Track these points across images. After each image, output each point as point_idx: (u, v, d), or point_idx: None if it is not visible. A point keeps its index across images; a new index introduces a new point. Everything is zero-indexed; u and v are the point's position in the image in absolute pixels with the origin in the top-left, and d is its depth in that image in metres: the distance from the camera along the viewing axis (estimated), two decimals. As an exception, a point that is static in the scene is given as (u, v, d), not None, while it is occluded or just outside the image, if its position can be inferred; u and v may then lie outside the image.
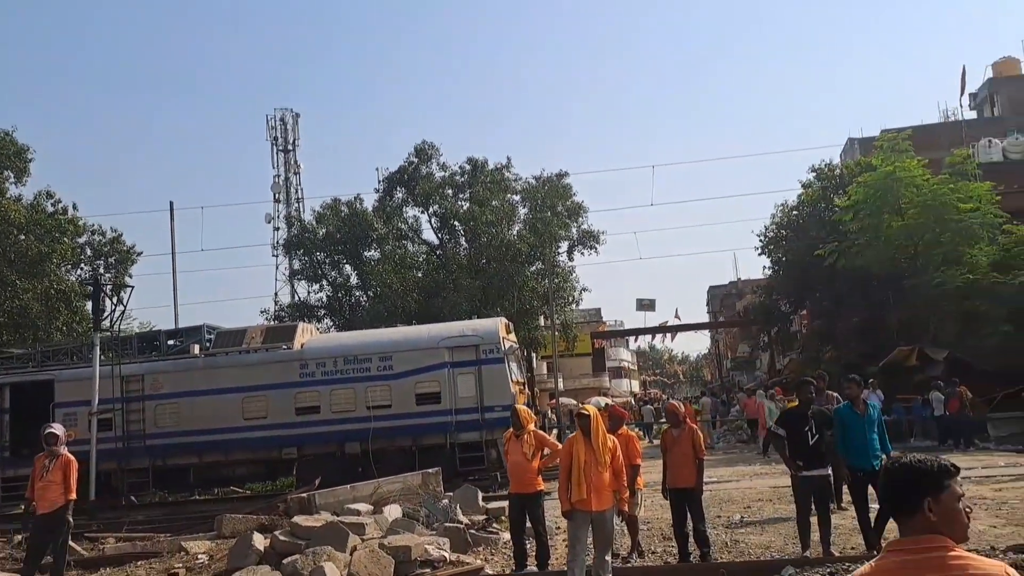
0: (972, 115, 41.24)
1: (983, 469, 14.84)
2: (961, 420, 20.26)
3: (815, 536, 8.23)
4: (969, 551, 2.42)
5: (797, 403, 8.86)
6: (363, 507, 10.39)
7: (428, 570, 7.76)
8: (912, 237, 25.71)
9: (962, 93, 40.73)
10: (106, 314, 18.38)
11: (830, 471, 8.50)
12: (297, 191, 46.86)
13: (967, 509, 2.42)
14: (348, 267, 33.94)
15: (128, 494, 18.75)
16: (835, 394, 11.63)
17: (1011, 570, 2.29)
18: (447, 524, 9.76)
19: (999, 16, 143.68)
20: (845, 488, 10.34)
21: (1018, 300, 22.74)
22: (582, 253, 34.24)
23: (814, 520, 8.19)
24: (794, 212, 33.92)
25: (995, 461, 15.90)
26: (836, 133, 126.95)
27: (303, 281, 34.52)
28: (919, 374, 23.82)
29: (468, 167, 33.98)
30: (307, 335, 19.81)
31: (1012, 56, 41.76)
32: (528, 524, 8.49)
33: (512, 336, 19.83)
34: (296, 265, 35.04)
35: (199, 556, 9.80)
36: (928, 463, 2.50)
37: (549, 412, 33.59)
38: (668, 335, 50.08)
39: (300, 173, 47.26)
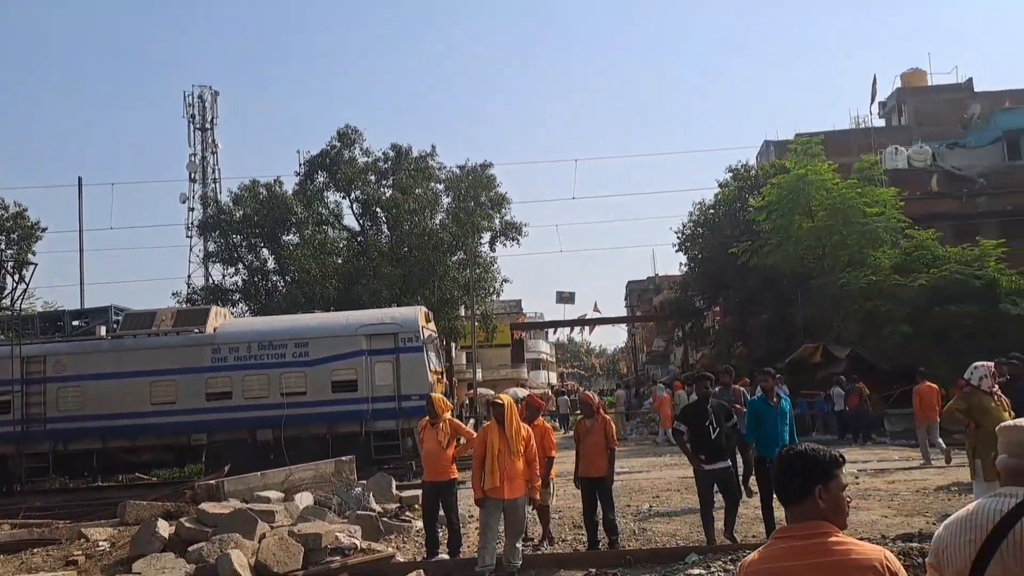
0: (881, 123, 43.07)
1: (878, 462, 15.59)
2: (860, 415, 21.17)
3: (719, 526, 8.51)
4: (861, 539, 2.56)
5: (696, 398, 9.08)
6: (274, 494, 10.23)
7: (339, 558, 7.71)
8: (820, 239, 26.70)
9: (872, 101, 42.60)
10: (7, 292, 17.57)
11: (730, 463, 8.77)
12: (214, 171, 45.47)
13: (848, 498, 2.57)
14: (265, 251, 33.21)
15: (26, 479, 18.00)
16: (741, 388, 12.04)
17: (890, 555, 2.43)
18: (359, 512, 9.70)
19: (910, 28, 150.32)
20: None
21: (916, 302, 23.93)
22: (504, 244, 34.43)
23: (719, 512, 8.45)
24: (711, 211, 34.77)
25: (890, 455, 16.72)
26: (754, 135, 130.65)
27: (218, 264, 33.60)
28: (823, 370, 24.81)
29: (392, 153, 33.65)
30: (220, 319, 19.34)
31: (919, 68, 43.73)
32: (441, 512, 8.54)
33: (432, 325, 19.79)
34: (211, 247, 34.03)
35: (100, 543, 9.46)
36: (821, 452, 2.64)
37: (467, 402, 33.67)
38: (587, 328, 50.76)
39: (217, 153, 45.87)
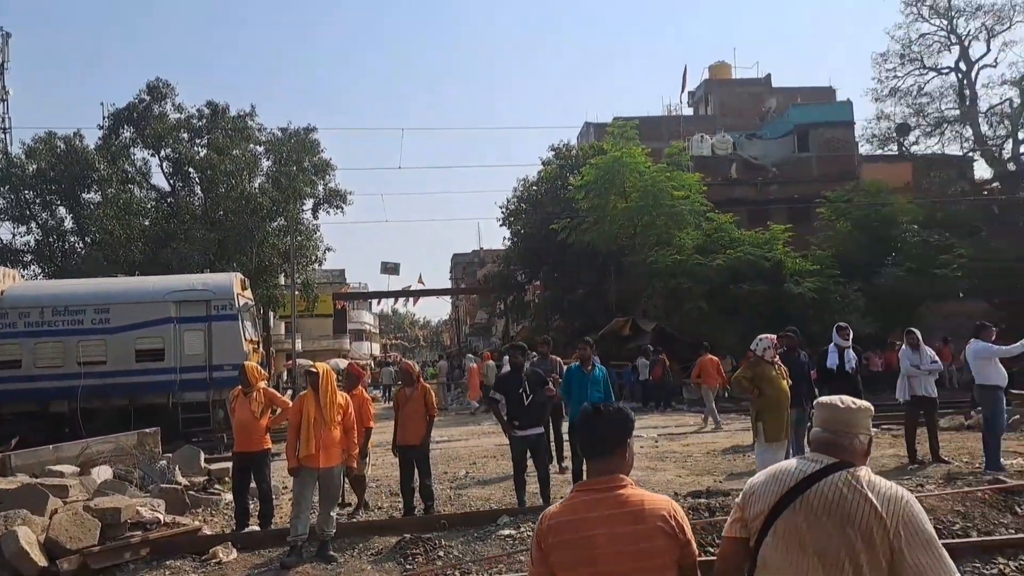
0: (690, 112, 45.79)
1: (676, 427, 16.84)
2: (662, 385, 22.71)
3: (531, 489, 8.89)
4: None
5: (509, 368, 9.41)
6: (68, 468, 9.58)
7: (140, 532, 7.37)
8: (633, 219, 28.12)
9: (682, 91, 45.15)
10: None
11: (543, 429, 9.17)
12: (4, 120, 41.01)
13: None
14: (63, 209, 30.46)
15: None
16: (558, 358, 12.52)
17: (676, 505, 2.68)
18: (164, 486, 9.29)
19: (719, 23, 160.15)
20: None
21: (714, 280, 25.85)
22: (327, 212, 33.63)
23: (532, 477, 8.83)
24: (534, 188, 35.66)
25: (687, 421, 18.07)
26: (576, 116, 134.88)
27: (7, 222, 30.39)
28: (631, 343, 26.32)
29: (207, 111, 31.77)
30: (9, 281, 17.66)
31: (726, 61, 46.81)
32: (253, 484, 8.36)
33: (248, 293, 19.08)
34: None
35: None
36: (628, 411, 2.87)
37: (285, 373, 32.80)
38: (411, 299, 50.71)
39: (8, 99, 41.35)
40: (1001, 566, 5.98)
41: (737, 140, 37.31)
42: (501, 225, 36.82)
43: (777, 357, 9.64)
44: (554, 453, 11.30)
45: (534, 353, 12.08)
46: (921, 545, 2.41)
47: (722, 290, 25.70)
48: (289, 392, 23.59)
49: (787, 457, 9.74)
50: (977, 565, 6.06)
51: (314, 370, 7.43)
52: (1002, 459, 9.67)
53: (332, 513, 7.23)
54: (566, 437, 11.06)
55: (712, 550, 6.56)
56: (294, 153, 32.36)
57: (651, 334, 25.82)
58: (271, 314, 34.80)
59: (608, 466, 2.71)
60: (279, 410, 8.41)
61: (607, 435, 2.73)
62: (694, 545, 2.65)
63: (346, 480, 8.76)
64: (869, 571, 2.42)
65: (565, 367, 10.73)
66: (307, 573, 6.35)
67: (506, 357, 11.57)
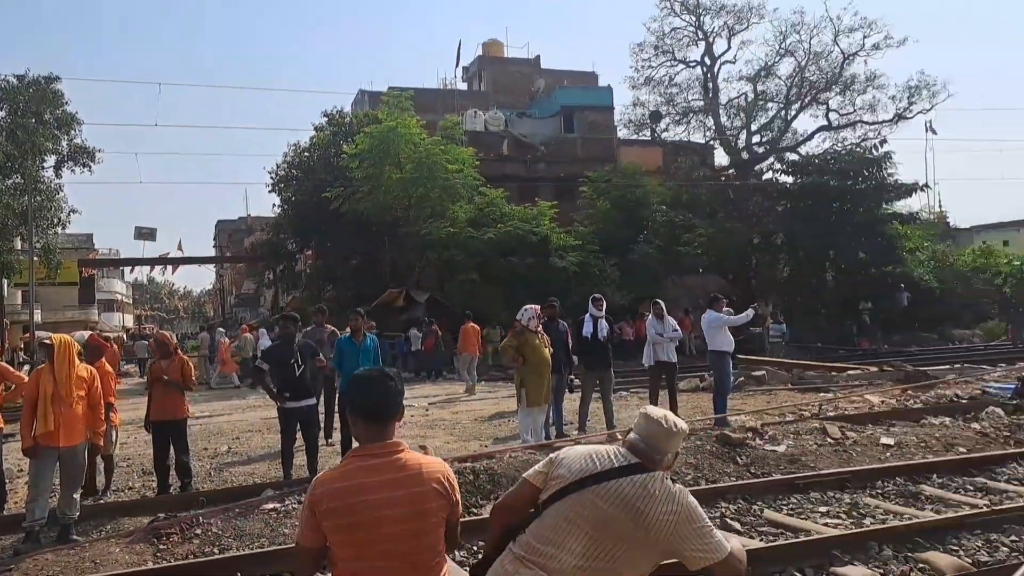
0: (464, 87, 46.43)
1: (446, 396, 17.30)
2: (434, 355, 23.13)
3: (298, 462, 8.76)
4: None
5: (280, 339, 9.21)
6: None
7: None
8: (407, 190, 28.19)
9: (457, 65, 45.65)
10: None
11: (316, 401, 9.05)
12: None
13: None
14: None
15: None
16: (330, 327, 12.34)
17: (448, 469, 2.84)
18: None
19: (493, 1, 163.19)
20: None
21: (485, 253, 26.67)
22: (72, 170, 30.42)
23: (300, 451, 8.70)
24: (306, 153, 34.58)
25: (457, 390, 18.56)
26: (351, 82, 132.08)
27: None
28: (405, 314, 26.51)
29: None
30: None
31: (498, 39, 47.89)
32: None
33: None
34: None
35: None
36: (399, 375, 2.94)
37: (22, 346, 29.62)
38: (169, 268, 47.45)
39: None
40: (723, 509, 6.79)
41: (509, 118, 38.40)
42: (271, 191, 35.34)
43: (540, 327, 10.24)
44: (323, 425, 11.19)
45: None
46: (695, 534, 2.91)
47: (493, 262, 26.57)
48: (27, 368, 21.33)
49: (547, 422, 10.42)
50: (704, 509, 6.84)
51: (48, 342, 6.81)
52: (728, 416, 10.94)
53: (75, 495, 6.71)
54: (336, 409, 11.00)
55: (476, 511, 6.89)
56: (33, 104, 28.97)
57: (424, 305, 26.15)
58: (5, 282, 31.20)
59: (385, 431, 2.78)
60: (13, 386, 7.63)
61: (382, 400, 2.79)
62: (460, 505, 2.84)
63: (101, 462, 8.16)
64: (627, 559, 2.87)
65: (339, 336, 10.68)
66: (45, 559, 5.85)
67: (276, 328, 11.27)
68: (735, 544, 3.08)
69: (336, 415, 10.91)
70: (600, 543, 2.86)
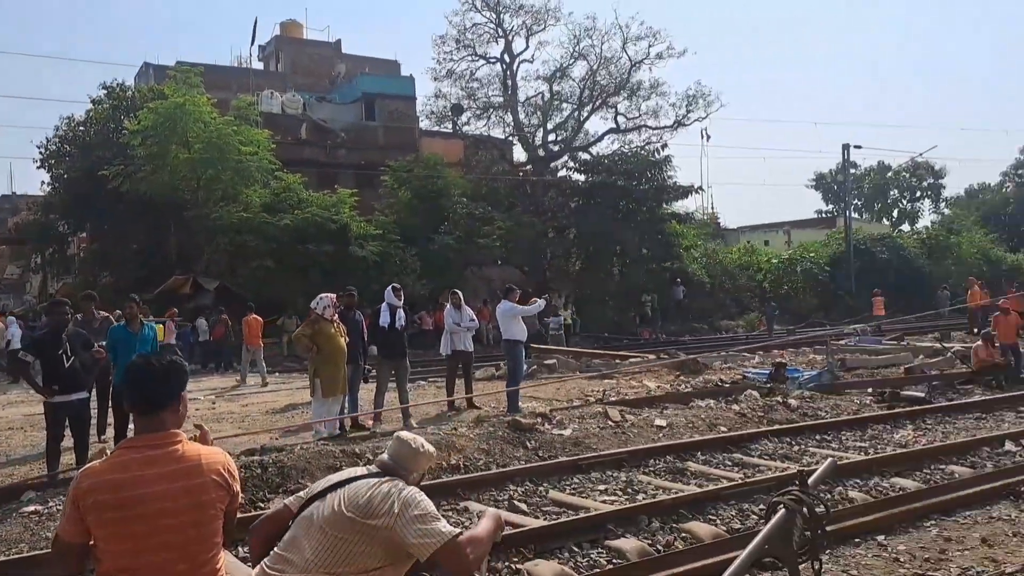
0: (260, 66, 44.53)
1: (233, 388, 16.64)
2: (223, 345, 22.07)
3: (65, 460, 8.13)
4: None
5: (47, 327, 8.54)
6: None
7: None
8: (196, 170, 26.71)
9: (252, 43, 43.73)
10: None
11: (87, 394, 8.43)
12: None
13: None
14: None
15: None
16: (105, 313, 11.56)
17: (229, 458, 2.79)
18: None
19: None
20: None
21: (281, 239, 25.82)
22: None
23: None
24: (81, 128, 31.74)
25: (247, 381, 17.88)
26: (134, 55, 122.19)
27: None
28: (192, 302, 25.12)
29: None
30: None
31: (297, 20, 46.38)
32: None
33: None
34: None
35: None
36: (181, 362, 2.83)
37: None
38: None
39: None
40: (511, 492, 7.11)
41: (308, 101, 37.36)
42: (39, 167, 32.09)
43: (336, 315, 10.14)
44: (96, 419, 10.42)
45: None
46: (415, 520, 2.97)
47: (289, 249, 25.77)
48: None
49: (342, 411, 10.34)
50: (494, 493, 7.12)
51: None
52: (520, 403, 11.39)
53: None
54: (111, 404, 10.27)
55: (262, 505, 6.74)
56: None
57: (214, 292, 24.90)
58: None
59: (162, 421, 2.68)
60: None
61: (159, 389, 2.69)
62: (239, 496, 2.80)
63: None
64: (356, 552, 2.95)
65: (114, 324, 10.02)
66: None
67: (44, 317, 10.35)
68: (475, 533, 3.10)
69: (110, 410, 10.19)
70: (331, 536, 2.95)
